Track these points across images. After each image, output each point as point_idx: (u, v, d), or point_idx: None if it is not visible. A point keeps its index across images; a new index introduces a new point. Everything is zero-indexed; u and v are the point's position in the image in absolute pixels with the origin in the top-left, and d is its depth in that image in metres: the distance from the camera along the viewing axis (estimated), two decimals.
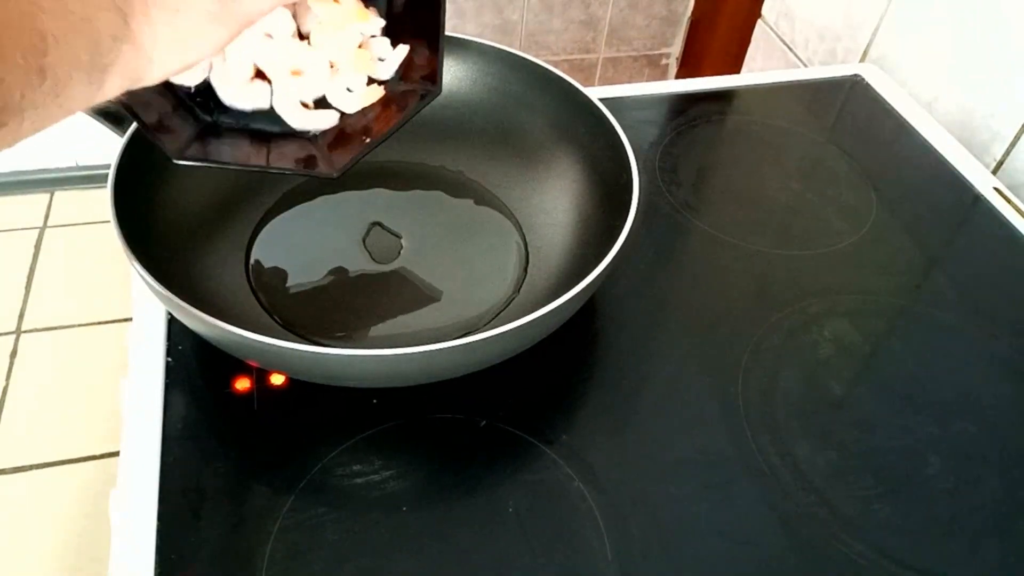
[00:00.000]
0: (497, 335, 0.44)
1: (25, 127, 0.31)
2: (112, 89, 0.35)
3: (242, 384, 0.52)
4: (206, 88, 0.48)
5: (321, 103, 0.51)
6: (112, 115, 0.51)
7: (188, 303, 0.45)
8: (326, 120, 0.50)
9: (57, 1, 0.31)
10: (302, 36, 0.49)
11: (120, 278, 1.39)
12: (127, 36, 0.34)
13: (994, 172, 0.78)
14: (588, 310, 0.56)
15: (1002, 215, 0.71)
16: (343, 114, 0.51)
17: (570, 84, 0.62)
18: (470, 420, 0.52)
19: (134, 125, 0.52)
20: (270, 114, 0.50)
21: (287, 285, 0.58)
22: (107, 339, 1.35)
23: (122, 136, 0.52)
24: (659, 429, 0.53)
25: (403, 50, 0.51)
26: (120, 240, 0.47)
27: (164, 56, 0.37)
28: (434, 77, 0.51)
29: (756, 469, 0.51)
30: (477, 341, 0.44)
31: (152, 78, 0.37)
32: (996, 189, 0.73)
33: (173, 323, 0.56)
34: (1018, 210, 0.71)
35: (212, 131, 0.49)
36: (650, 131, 0.78)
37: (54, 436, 1.21)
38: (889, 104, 0.84)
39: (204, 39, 0.39)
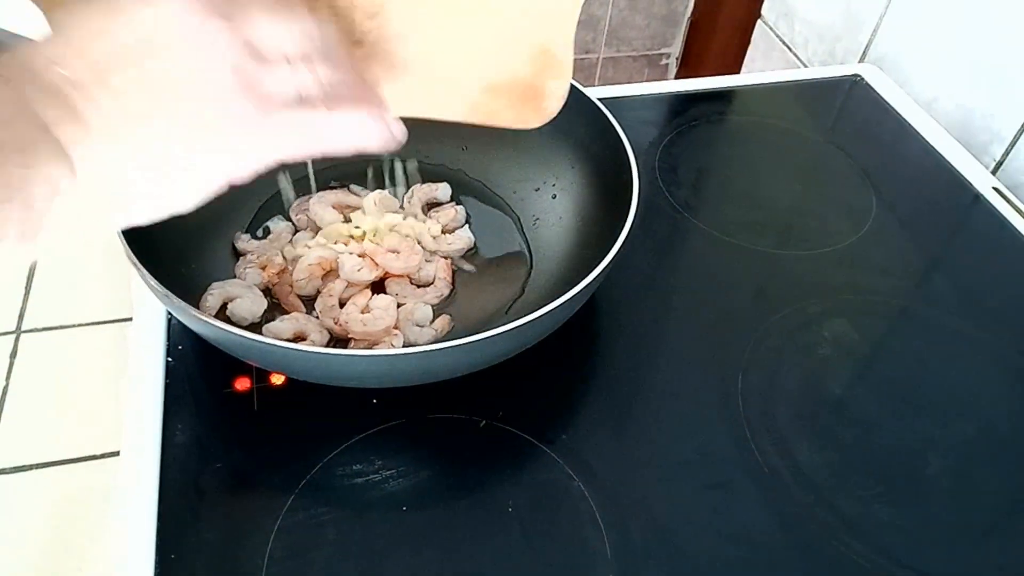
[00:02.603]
0: (497, 335, 0.44)
1: None
2: (47, 248, 0.31)
3: (242, 384, 0.52)
4: None
5: None
6: None
7: (188, 303, 0.45)
8: None
9: None
10: None
11: (120, 278, 1.39)
12: (64, 178, 0.30)
13: (993, 172, 0.78)
14: (588, 310, 0.56)
15: (1001, 215, 0.71)
16: None
17: (570, 84, 0.61)
18: (470, 420, 0.52)
19: None
20: None
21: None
22: (107, 339, 1.34)
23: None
24: (659, 429, 0.53)
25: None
26: (121, 240, 0.47)
27: (117, 198, 0.32)
28: None
29: (756, 469, 0.51)
30: (477, 341, 0.44)
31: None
32: (995, 189, 0.73)
33: (173, 323, 0.56)
34: (1017, 210, 0.71)
35: None
36: (650, 131, 0.78)
37: (54, 436, 1.21)
38: (889, 104, 0.84)
39: (169, 187, 0.34)
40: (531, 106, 0.51)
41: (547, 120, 0.51)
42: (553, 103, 0.50)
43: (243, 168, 0.35)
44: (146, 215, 0.34)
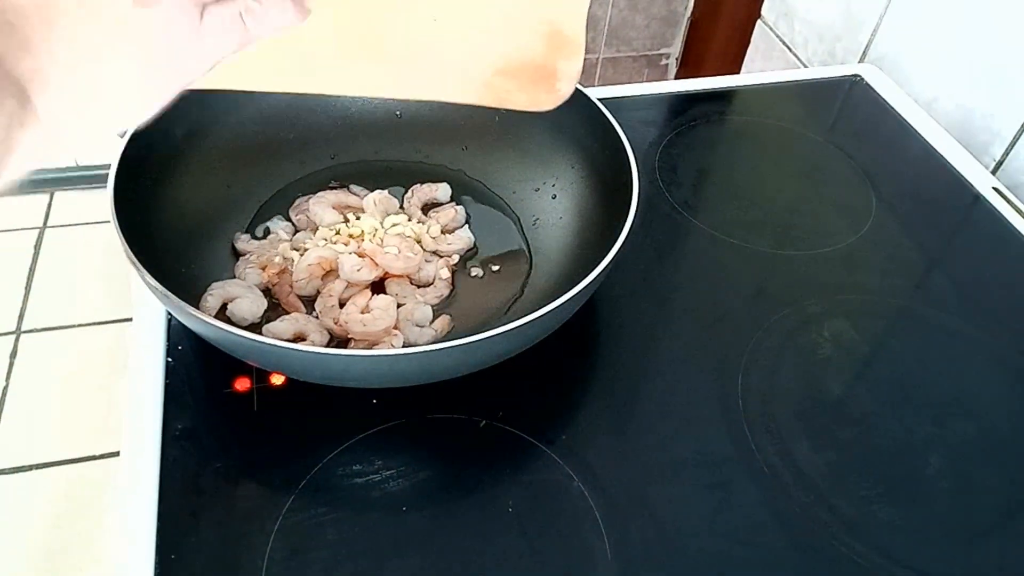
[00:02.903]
0: (497, 335, 0.44)
1: None
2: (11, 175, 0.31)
3: (242, 384, 0.52)
4: None
5: None
6: None
7: (188, 303, 0.45)
8: None
9: None
10: None
11: (120, 278, 1.39)
12: (25, 109, 0.30)
13: (993, 172, 0.78)
14: (588, 310, 0.56)
15: (1001, 215, 0.71)
16: None
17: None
18: (470, 420, 0.52)
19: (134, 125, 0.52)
20: None
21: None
22: (107, 339, 1.34)
23: (122, 136, 0.53)
24: (659, 429, 0.53)
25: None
26: (120, 240, 0.47)
27: (76, 122, 0.33)
28: None
29: (755, 469, 0.51)
30: (477, 341, 0.44)
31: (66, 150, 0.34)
32: (995, 189, 0.73)
33: (173, 323, 0.56)
34: (1017, 210, 0.71)
35: None
36: (650, 131, 0.78)
37: (54, 436, 1.21)
38: (889, 104, 0.84)
39: (125, 103, 0.34)
40: (544, 88, 0.50)
41: (560, 102, 0.50)
42: (566, 84, 0.50)
43: (193, 71, 0.36)
44: (105, 132, 0.35)
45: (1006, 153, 0.77)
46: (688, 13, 1.42)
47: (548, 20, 0.47)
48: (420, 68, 0.48)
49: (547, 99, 0.51)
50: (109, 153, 0.51)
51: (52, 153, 0.33)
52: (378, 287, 0.58)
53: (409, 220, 0.62)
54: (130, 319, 0.56)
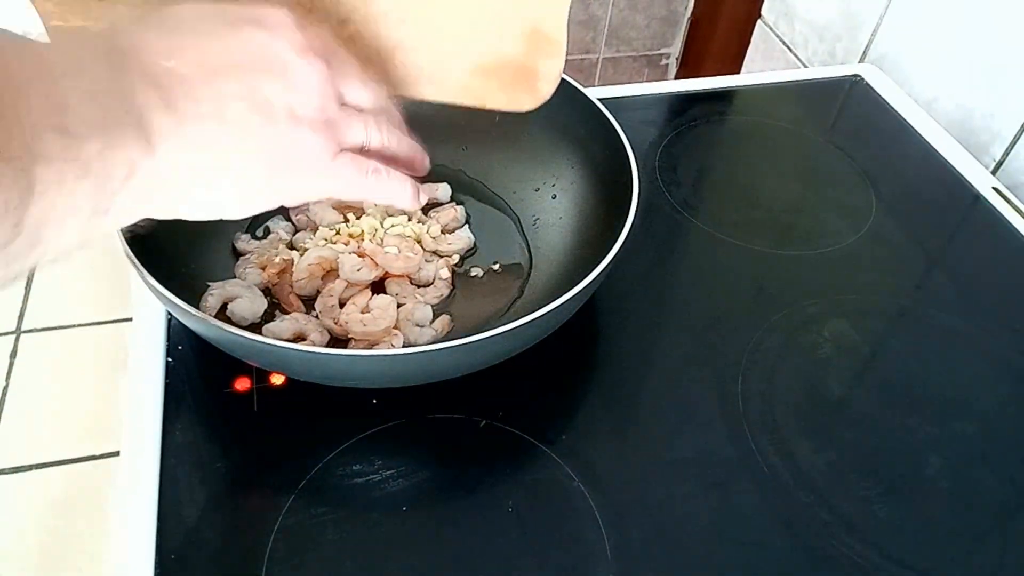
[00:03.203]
0: (497, 335, 0.44)
1: None
2: (114, 224, 0.31)
3: (242, 384, 0.52)
4: None
5: None
6: None
7: (188, 303, 0.45)
8: None
9: (59, 136, 0.27)
10: None
11: (120, 278, 1.39)
12: (145, 163, 0.31)
13: (993, 172, 0.78)
14: (588, 310, 0.56)
15: (1001, 215, 0.71)
16: None
17: (570, 84, 0.61)
18: (470, 420, 0.52)
19: None
20: None
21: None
22: (107, 339, 1.34)
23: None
24: (659, 429, 0.53)
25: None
26: (120, 240, 0.47)
27: (181, 195, 0.34)
28: None
29: (756, 469, 0.51)
30: (477, 341, 0.44)
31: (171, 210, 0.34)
32: (995, 189, 0.73)
33: (173, 323, 0.56)
34: (1017, 210, 0.71)
35: None
36: (650, 131, 0.78)
37: (54, 436, 1.21)
38: (889, 104, 0.84)
39: (230, 198, 0.35)
40: (524, 88, 0.50)
41: (541, 102, 0.50)
42: (547, 85, 0.50)
43: (299, 197, 0.38)
44: (200, 214, 0.35)
45: (1006, 153, 0.77)
46: (688, 13, 1.42)
47: (528, 19, 0.47)
48: (398, 66, 0.48)
49: (528, 99, 0.51)
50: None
51: (151, 212, 0.33)
52: (378, 287, 0.58)
53: (409, 220, 0.62)
54: (130, 319, 0.56)
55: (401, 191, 0.42)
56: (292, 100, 0.35)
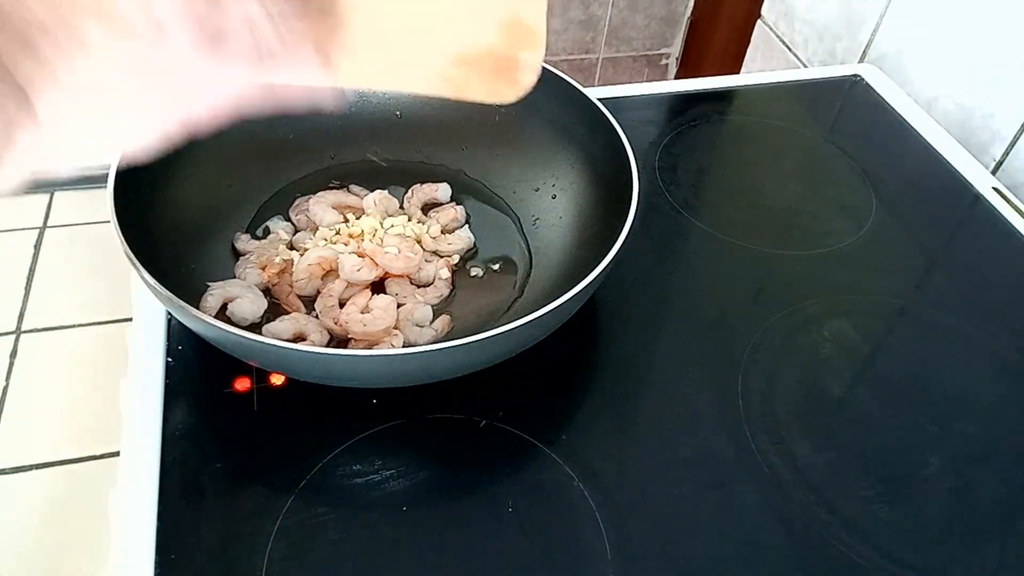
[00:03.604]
0: (497, 335, 0.44)
1: None
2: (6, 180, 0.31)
3: (242, 384, 0.52)
4: None
5: None
6: None
7: (188, 303, 0.45)
8: None
9: None
10: None
11: (120, 278, 1.39)
12: (24, 116, 0.30)
13: (993, 172, 0.78)
14: (588, 310, 0.56)
15: (1001, 215, 0.71)
16: None
17: (570, 84, 0.62)
18: (470, 420, 0.52)
19: None
20: None
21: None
22: (107, 339, 1.34)
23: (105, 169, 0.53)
24: (659, 429, 0.53)
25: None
26: (120, 240, 0.47)
27: (71, 138, 0.33)
28: None
29: (756, 469, 0.51)
30: (477, 341, 0.44)
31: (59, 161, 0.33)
32: (995, 189, 0.73)
33: (173, 323, 0.56)
34: (1017, 210, 0.71)
35: None
36: (650, 131, 0.78)
37: (54, 436, 1.21)
38: (889, 104, 0.84)
39: (124, 130, 0.34)
40: (504, 79, 0.50)
41: (522, 94, 0.50)
42: (528, 75, 0.49)
43: (200, 115, 0.35)
44: (98, 157, 0.34)
45: (1006, 153, 0.77)
46: (688, 13, 1.42)
47: (507, 10, 0.47)
48: (375, 57, 0.48)
49: (509, 91, 0.50)
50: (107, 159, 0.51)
51: (49, 159, 0.33)
52: (378, 287, 0.58)
53: (409, 220, 0.62)
54: (130, 319, 0.56)
55: (315, 79, 0.38)
56: (152, 11, 0.32)
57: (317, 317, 0.55)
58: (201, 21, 0.34)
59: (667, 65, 1.52)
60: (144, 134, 0.35)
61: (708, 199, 0.72)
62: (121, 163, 0.52)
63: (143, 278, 0.46)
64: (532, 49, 0.48)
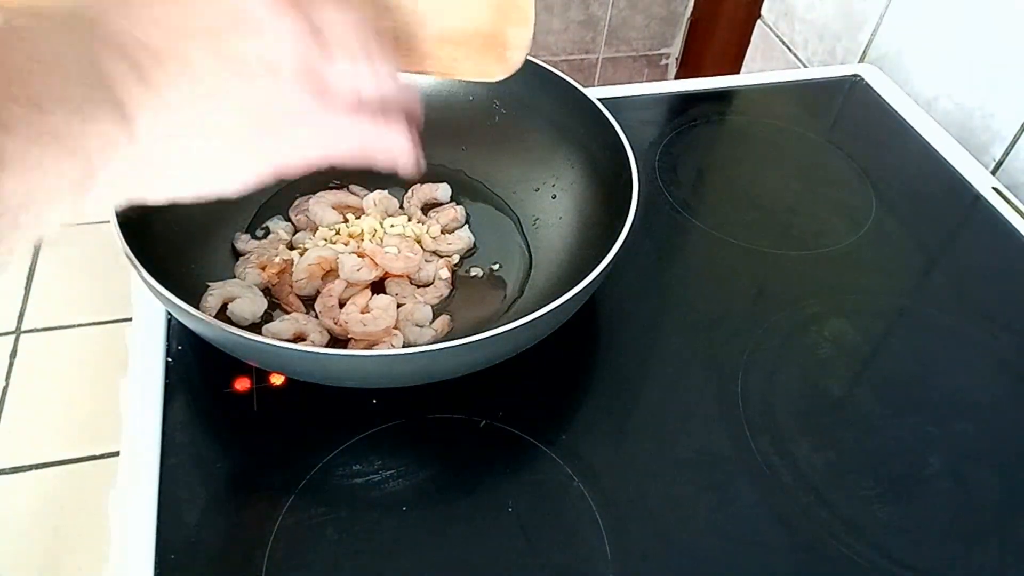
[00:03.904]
0: (497, 335, 0.44)
1: None
2: (98, 203, 0.30)
3: (242, 384, 0.52)
4: None
5: None
6: None
7: (188, 303, 0.45)
8: None
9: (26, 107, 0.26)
10: None
11: (120, 278, 1.39)
12: (123, 137, 0.29)
13: (993, 172, 0.78)
14: (588, 310, 0.56)
15: (1001, 215, 0.71)
16: None
17: (570, 84, 0.62)
18: (470, 420, 0.52)
19: None
20: None
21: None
22: (107, 339, 1.34)
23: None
24: (659, 429, 0.53)
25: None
26: (120, 240, 0.47)
27: (167, 168, 0.32)
28: None
29: (756, 469, 0.51)
30: (477, 341, 0.44)
31: (154, 195, 0.33)
32: (995, 189, 0.73)
33: (173, 323, 0.56)
34: (1017, 210, 0.71)
35: None
36: (650, 131, 0.78)
37: (54, 436, 1.21)
38: (889, 104, 0.84)
39: (221, 166, 0.34)
40: (493, 57, 0.49)
41: (511, 72, 0.49)
42: (516, 53, 0.49)
43: (294, 160, 0.36)
44: (191, 191, 0.34)
45: (1006, 153, 0.77)
46: (688, 13, 1.42)
47: None
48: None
49: (497, 68, 0.49)
50: None
51: (144, 184, 0.32)
52: (378, 287, 0.58)
53: (409, 220, 0.62)
54: (130, 319, 0.56)
55: (402, 145, 0.39)
56: (267, 55, 0.33)
57: (317, 317, 0.55)
58: (313, 71, 0.34)
59: (667, 65, 1.52)
60: (238, 173, 0.35)
61: (708, 199, 0.72)
62: None
63: (143, 278, 0.46)
64: (520, 25, 0.47)
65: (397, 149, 0.39)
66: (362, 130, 0.37)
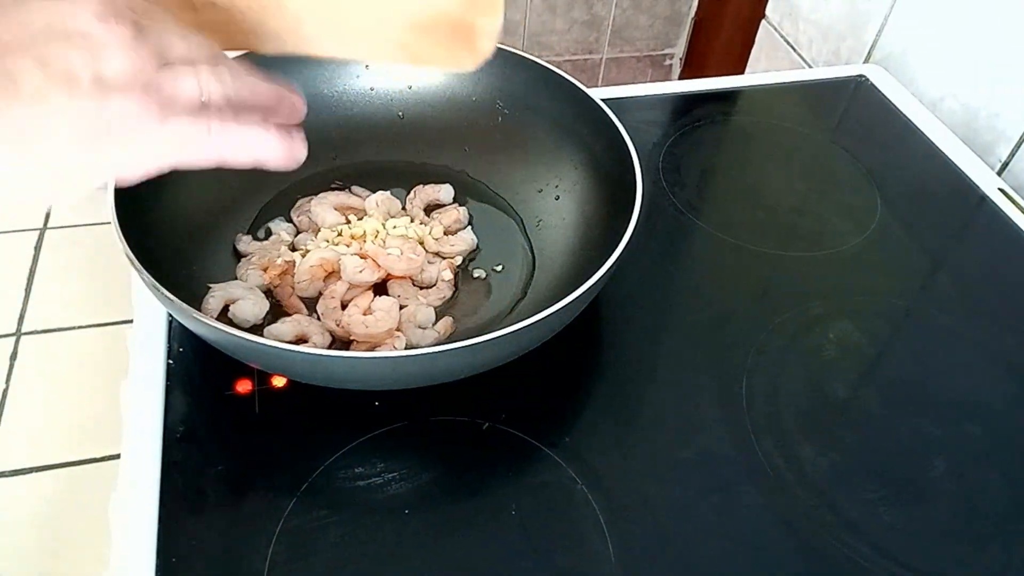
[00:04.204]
0: (500, 337, 0.44)
1: None
2: None
3: (243, 386, 0.52)
4: None
5: None
6: None
7: (189, 305, 0.44)
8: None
9: None
10: None
11: (120, 279, 1.39)
12: None
13: (999, 173, 0.78)
14: (592, 312, 0.56)
15: (1007, 216, 0.71)
16: None
17: (573, 85, 0.61)
18: (473, 422, 0.52)
19: None
20: None
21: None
22: (107, 341, 1.34)
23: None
24: (662, 431, 0.53)
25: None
26: (120, 241, 0.47)
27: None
28: None
29: (760, 471, 0.51)
30: (480, 343, 0.44)
31: None
32: (1001, 190, 0.73)
33: (174, 325, 0.55)
34: (1023, 211, 0.71)
35: None
36: (653, 132, 0.78)
37: (54, 439, 1.21)
38: (894, 105, 0.83)
39: (49, 177, 0.33)
40: (463, 46, 0.49)
41: (482, 61, 0.49)
42: (486, 42, 0.48)
43: (129, 169, 0.35)
44: (16, 200, 0.33)
45: (1012, 154, 0.76)
46: (692, 13, 1.42)
47: None
48: (333, 26, 0.47)
49: (468, 58, 0.49)
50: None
51: None
52: (380, 289, 0.57)
53: (411, 221, 0.61)
54: (130, 321, 0.56)
55: (262, 142, 0.38)
56: (97, 68, 0.32)
57: (319, 319, 0.55)
58: (146, 80, 0.33)
59: (671, 65, 1.51)
60: (67, 183, 0.34)
61: (712, 200, 0.72)
62: None
63: (144, 280, 0.45)
64: (489, 14, 0.47)
65: (257, 146, 0.38)
66: (208, 133, 0.36)
